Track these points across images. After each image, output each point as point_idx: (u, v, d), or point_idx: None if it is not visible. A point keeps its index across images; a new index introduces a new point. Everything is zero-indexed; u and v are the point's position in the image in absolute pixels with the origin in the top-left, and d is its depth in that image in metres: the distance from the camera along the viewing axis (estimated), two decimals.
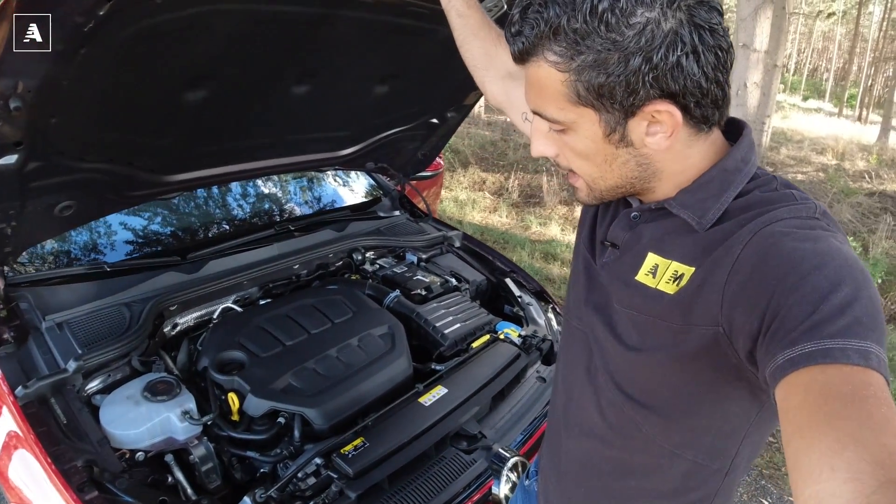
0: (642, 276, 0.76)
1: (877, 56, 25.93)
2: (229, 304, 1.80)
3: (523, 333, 1.93)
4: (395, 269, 2.17)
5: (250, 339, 1.59)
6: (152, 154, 1.57)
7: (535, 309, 2.09)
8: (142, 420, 1.28)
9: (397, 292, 1.98)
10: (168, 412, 1.30)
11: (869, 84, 25.13)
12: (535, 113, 0.73)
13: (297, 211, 2.59)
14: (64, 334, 1.46)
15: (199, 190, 2.29)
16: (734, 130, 0.77)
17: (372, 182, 2.85)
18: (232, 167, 1.87)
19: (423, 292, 2.02)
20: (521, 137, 9.45)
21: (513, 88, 1.05)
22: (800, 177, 9.23)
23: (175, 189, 1.78)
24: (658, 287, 0.73)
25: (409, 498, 1.30)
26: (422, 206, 2.71)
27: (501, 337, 1.89)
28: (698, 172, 0.73)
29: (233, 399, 1.45)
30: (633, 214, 0.80)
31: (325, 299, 1.84)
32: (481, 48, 1.07)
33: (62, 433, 1.21)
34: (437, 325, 1.84)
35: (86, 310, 1.56)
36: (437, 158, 3.50)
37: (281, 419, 1.41)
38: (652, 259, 0.75)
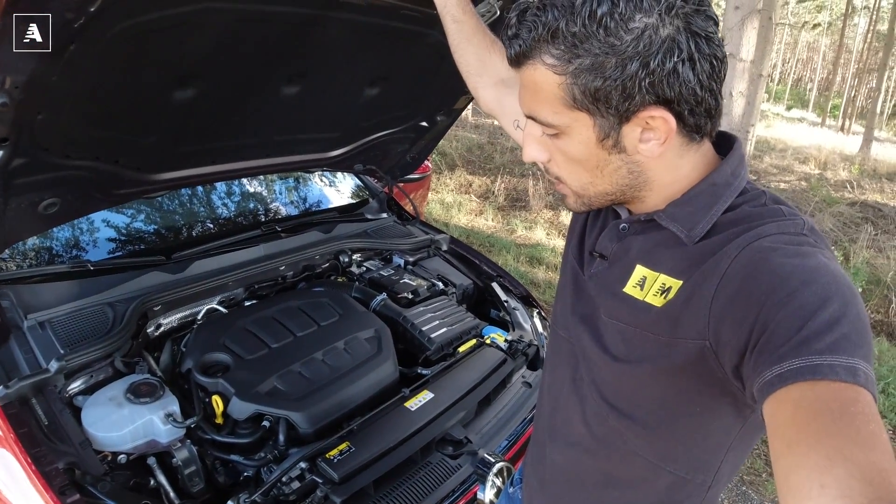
0: (630, 288, 0.76)
1: (860, 67, 26.31)
2: (214, 305, 1.78)
3: (509, 338, 1.94)
4: (381, 272, 2.16)
5: (235, 341, 1.58)
6: (139, 152, 1.55)
7: (521, 313, 2.09)
8: (124, 422, 1.26)
9: (384, 295, 1.97)
10: (151, 414, 1.29)
11: (852, 95, 25.49)
12: (528, 117, 0.74)
13: (284, 211, 2.57)
14: (46, 333, 1.44)
15: (184, 189, 2.27)
16: (725, 144, 0.77)
17: (359, 183, 2.84)
18: (220, 167, 1.86)
19: (410, 296, 2.02)
20: (508, 141, 9.50)
21: (505, 95, 1.05)
22: (783, 185, 9.36)
23: (162, 188, 1.76)
24: (645, 299, 0.74)
25: (394, 503, 1.30)
26: (409, 208, 2.70)
27: (487, 342, 1.89)
28: (689, 184, 0.74)
29: (217, 402, 1.43)
30: (622, 226, 0.81)
31: (311, 301, 1.83)
32: (475, 54, 1.08)
33: (43, 434, 1.19)
34: (424, 329, 1.84)
35: (68, 309, 1.54)
36: (426, 161, 3.50)
37: (266, 423, 1.40)
38: (640, 271, 0.76)
